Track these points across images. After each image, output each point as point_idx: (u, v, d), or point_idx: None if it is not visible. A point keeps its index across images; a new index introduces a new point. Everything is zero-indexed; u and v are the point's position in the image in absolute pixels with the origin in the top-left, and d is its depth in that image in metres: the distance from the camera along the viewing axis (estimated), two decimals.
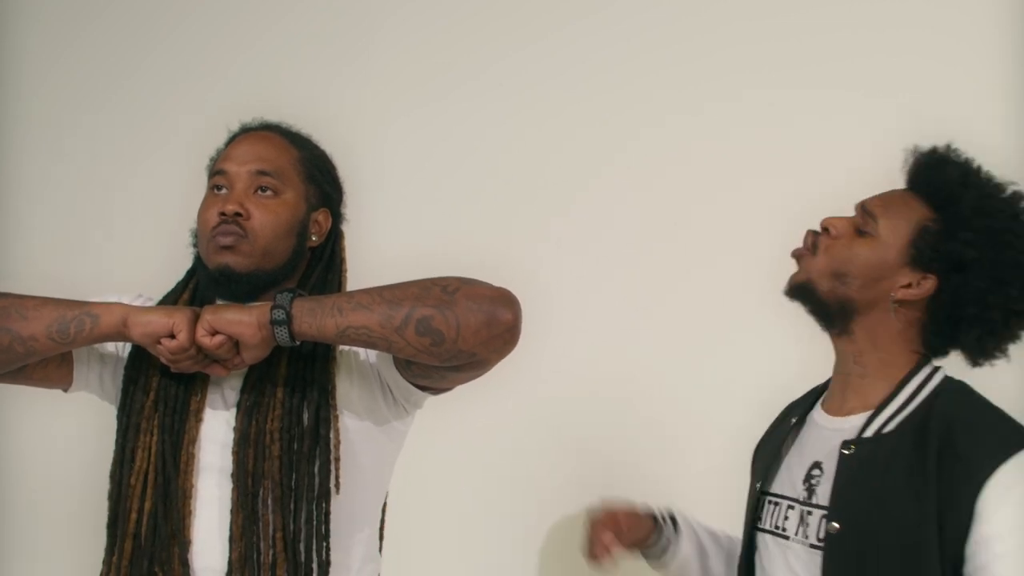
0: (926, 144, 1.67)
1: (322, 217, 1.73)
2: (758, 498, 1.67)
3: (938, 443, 1.46)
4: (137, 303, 1.67)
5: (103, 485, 2.70)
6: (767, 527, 1.65)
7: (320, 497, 1.56)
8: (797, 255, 1.65)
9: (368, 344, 1.51)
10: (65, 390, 1.73)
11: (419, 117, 2.68)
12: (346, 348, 1.65)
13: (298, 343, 1.53)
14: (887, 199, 1.63)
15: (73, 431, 2.78)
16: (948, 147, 1.65)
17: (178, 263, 2.77)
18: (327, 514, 1.57)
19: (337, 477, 1.58)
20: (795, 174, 2.42)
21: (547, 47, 2.64)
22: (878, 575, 1.48)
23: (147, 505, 1.57)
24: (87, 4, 3.13)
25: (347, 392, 1.64)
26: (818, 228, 1.64)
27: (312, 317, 1.50)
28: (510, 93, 2.65)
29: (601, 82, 2.56)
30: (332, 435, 1.59)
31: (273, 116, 2.62)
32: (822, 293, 1.60)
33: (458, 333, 1.46)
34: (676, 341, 2.33)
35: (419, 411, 1.72)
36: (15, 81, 3.11)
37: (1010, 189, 1.58)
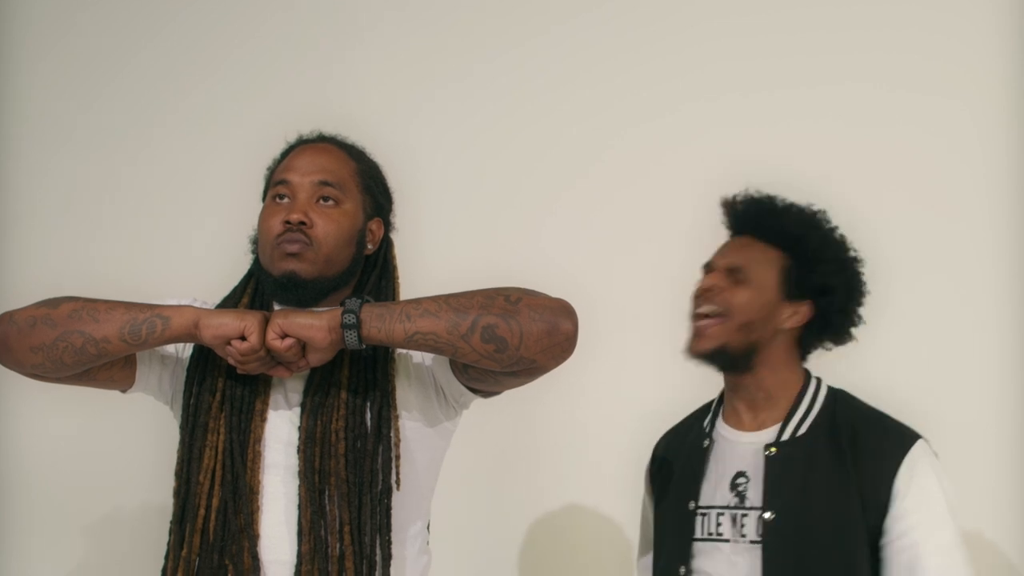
0: (757, 187, 2.01)
1: (376, 226, 1.81)
2: (692, 514, 1.90)
3: (849, 442, 1.82)
4: (196, 306, 1.73)
5: (100, 484, 2.76)
6: (703, 536, 1.87)
7: (383, 493, 1.65)
8: (702, 328, 1.90)
9: (434, 349, 1.59)
10: (124, 391, 1.78)
11: (445, 120, 2.76)
12: (403, 352, 1.74)
13: (364, 347, 1.61)
14: (742, 251, 1.94)
15: (73, 430, 2.80)
16: (766, 194, 1.99)
17: (173, 261, 2.84)
18: (388, 509, 1.65)
19: (398, 474, 1.66)
20: (789, 172, 2.52)
21: (586, 47, 2.73)
22: (811, 557, 1.77)
23: (215, 502, 1.64)
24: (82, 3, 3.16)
25: (405, 393, 1.72)
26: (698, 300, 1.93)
27: (381, 322, 1.58)
28: (539, 96, 2.74)
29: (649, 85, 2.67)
30: (393, 434, 1.67)
31: (274, 112, 2.66)
32: (733, 349, 1.88)
33: (521, 341, 1.55)
34: None
35: (466, 411, 1.81)
36: (12, 78, 3.12)
37: (820, 214, 1.97)
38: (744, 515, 1.83)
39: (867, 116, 2.53)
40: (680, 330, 2.37)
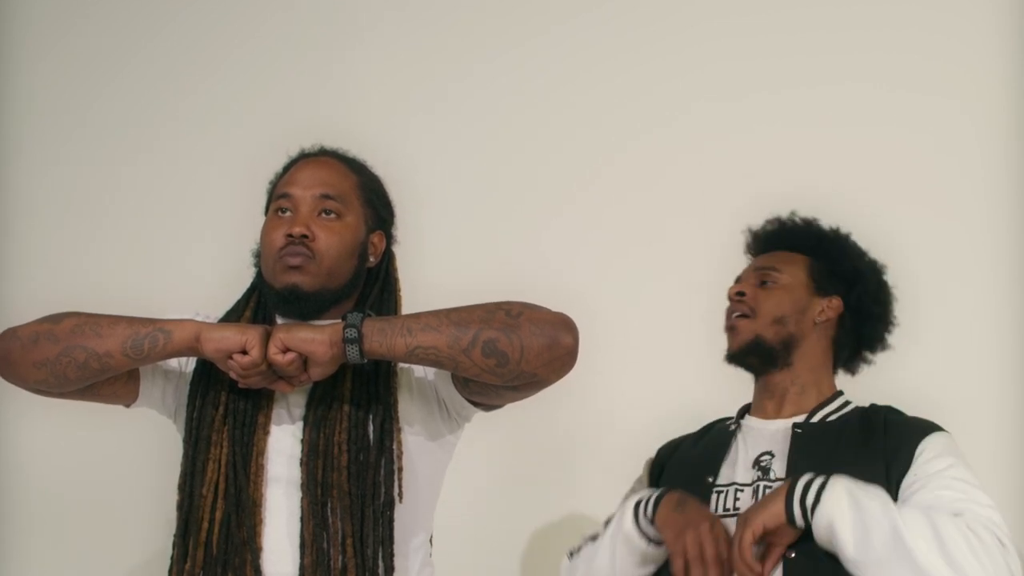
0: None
1: (377, 239, 1.82)
2: (708, 489, 1.87)
3: (883, 429, 1.84)
4: (198, 320, 1.73)
5: (103, 497, 2.77)
6: (717, 512, 1.83)
7: (385, 505, 1.65)
8: (732, 325, 1.96)
9: (435, 363, 1.60)
10: (127, 405, 1.80)
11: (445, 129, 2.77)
12: (404, 365, 1.74)
13: (366, 361, 1.62)
14: (770, 256, 2.02)
15: (76, 443, 2.79)
16: (783, 215, 2.07)
17: (173, 266, 2.84)
18: (391, 521, 1.66)
19: (400, 486, 1.67)
20: (789, 173, 2.52)
21: (588, 52, 2.73)
22: None
23: (218, 515, 1.65)
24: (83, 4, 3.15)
25: (407, 407, 1.73)
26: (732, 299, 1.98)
27: (382, 336, 1.59)
28: (542, 101, 2.73)
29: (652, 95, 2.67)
30: (395, 447, 1.68)
31: (274, 114, 2.66)
32: (770, 341, 1.92)
33: (522, 355, 1.56)
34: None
35: (468, 424, 1.82)
36: (12, 79, 3.12)
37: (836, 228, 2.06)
38: (768, 487, 1.81)
39: (866, 116, 2.52)
40: (686, 337, 2.39)
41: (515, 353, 1.56)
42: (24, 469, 2.87)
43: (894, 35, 2.54)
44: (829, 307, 1.96)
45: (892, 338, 2.38)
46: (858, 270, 1.99)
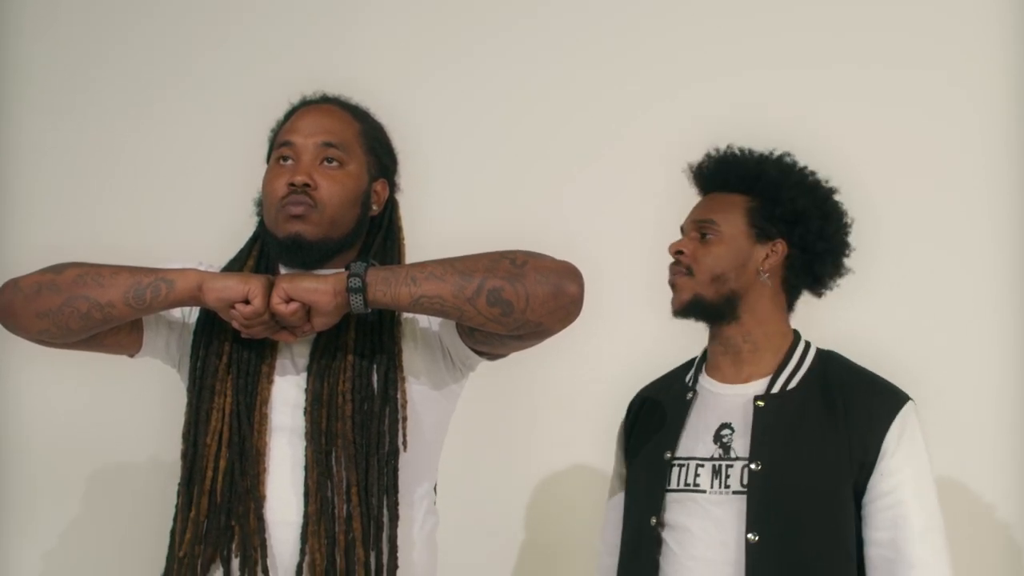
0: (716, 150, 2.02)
1: (380, 187, 1.79)
2: (667, 464, 1.88)
3: (843, 400, 1.83)
4: (200, 269, 1.72)
5: (108, 447, 2.78)
6: (677, 487, 1.86)
7: (390, 454, 1.65)
8: (674, 283, 1.93)
9: (440, 312, 1.59)
10: (131, 356, 1.79)
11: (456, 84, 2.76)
12: (409, 315, 1.74)
13: (370, 311, 1.61)
14: (710, 203, 1.96)
15: (81, 393, 2.81)
16: (725, 148, 2.00)
17: (178, 225, 2.83)
18: (396, 470, 1.66)
19: (404, 435, 1.67)
20: (790, 149, 2.51)
21: (608, 17, 2.72)
22: (798, 508, 1.77)
23: (222, 463, 1.65)
24: None
25: (411, 356, 1.72)
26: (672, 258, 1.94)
27: (386, 286, 1.58)
28: (556, 63, 2.73)
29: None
30: (399, 396, 1.68)
31: (281, 75, 2.63)
32: (710, 299, 1.89)
33: (527, 304, 1.55)
34: None
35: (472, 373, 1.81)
36: (14, 43, 3.09)
37: (781, 153, 1.98)
38: (729, 466, 1.82)
39: (865, 94, 2.52)
40: None
41: (520, 302, 1.55)
42: (27, 419, 2.88)
43: (892, 13, 2.53)
44: (772, 253, 1.90)
45: (892, 313, 2.39)
46: (799, 209, 1.90)
